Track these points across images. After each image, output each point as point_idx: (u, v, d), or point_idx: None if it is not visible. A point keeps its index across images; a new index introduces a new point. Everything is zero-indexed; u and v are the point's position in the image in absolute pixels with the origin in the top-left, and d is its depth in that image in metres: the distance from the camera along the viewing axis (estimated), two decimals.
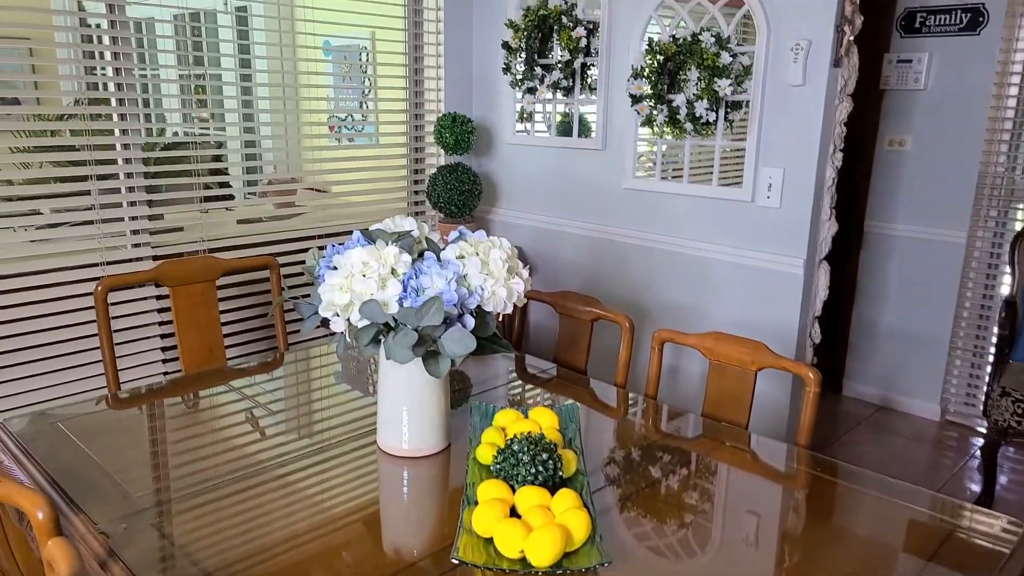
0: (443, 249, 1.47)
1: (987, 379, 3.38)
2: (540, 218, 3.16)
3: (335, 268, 1.42)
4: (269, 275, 2.31)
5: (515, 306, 1.45)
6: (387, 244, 1.38)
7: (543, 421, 1.55)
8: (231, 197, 2.89)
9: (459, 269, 1.37)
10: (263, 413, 1.69)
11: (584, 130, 2.96)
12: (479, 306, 1.39)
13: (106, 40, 2.33)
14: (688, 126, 2.48)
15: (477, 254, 1.41)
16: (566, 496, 1.25)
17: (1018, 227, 3.23)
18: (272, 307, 2.00)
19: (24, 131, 2.79)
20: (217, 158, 2.79)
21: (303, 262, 2.89)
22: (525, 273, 1.46)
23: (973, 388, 3.47)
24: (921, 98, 3.33)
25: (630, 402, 1.84)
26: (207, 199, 2.65)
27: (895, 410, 3.65)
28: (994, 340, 3.29)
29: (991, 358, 3.38)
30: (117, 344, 2.42)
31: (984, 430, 3.36)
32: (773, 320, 2.52)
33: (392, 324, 1.34)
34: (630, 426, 1.71)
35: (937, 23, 3.19)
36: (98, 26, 2.35)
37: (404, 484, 1.40)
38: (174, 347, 2.46)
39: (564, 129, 3.02)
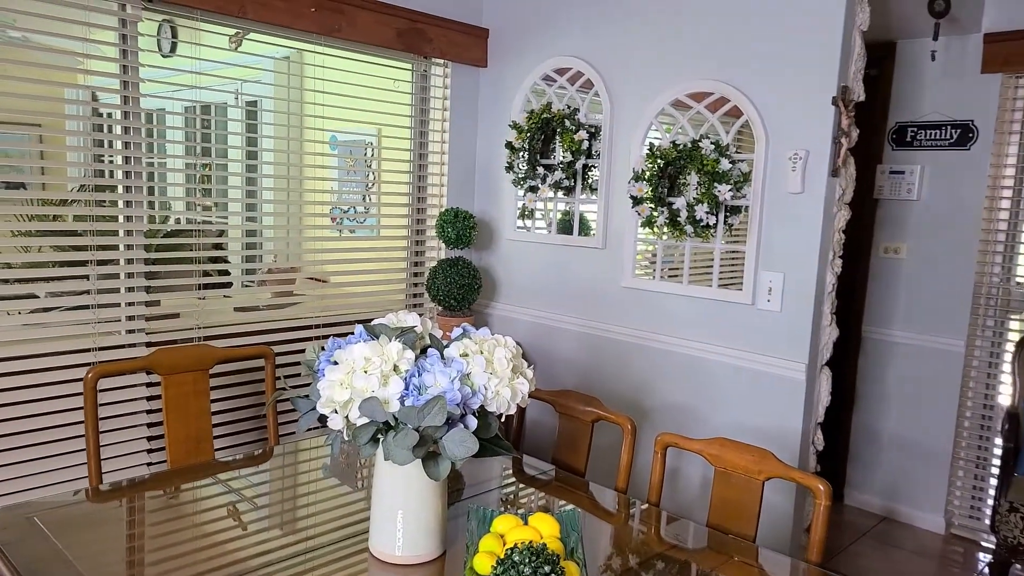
0: (446, 346, 1.45)
1: (993, 492, 3.30)
2: (538, 313, 3.15)
3: (336, 363, 1.39)
4: (264, 365, 2.27)
5: (518, 407, 1.42)
6: (390, 340, 1.36)
7: (544, 529, 1.48)
8: (229, 284, 2.88)
9: (463, 367, 1.34)
10: (248, 510, 1.61)
11: (584, 229, 3.00)
12: (482, 406, 1.36)
13: (117, 129, 2.37)
14: (688, 228, 2.51)
15: (481, 352, 1.39)
16: None
17: (1015, 337, 3.23)
18: (268, 402, 1.95)
19: (26, 215, 2.80)
20: (218, 246, 2.80)
21: (301, 351, 2.87)
22: (530, 373, 1.43)
23: (978, 501, 3.38)
24: (915, 208, 3.41)
25: (632, 509, 1.77)
26: (205, 286, 2.63)
27: (899, 521, 3.54)
28: (998, 452, 3.23)
29: (995, 470, 3.31)
30: (103, 432, 2.36)
31: (991, 546, 3.25)
32: (774, 425, 2.47)
33: (392, 423, 1.29)
34: (633, 535, 1.64)
35: (928, 137, 3.30)
36: (110, 115, 2.41)
37: None
38: (161, 436, 2.38)
39: (564, 227, 3.06)
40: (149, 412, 2.46)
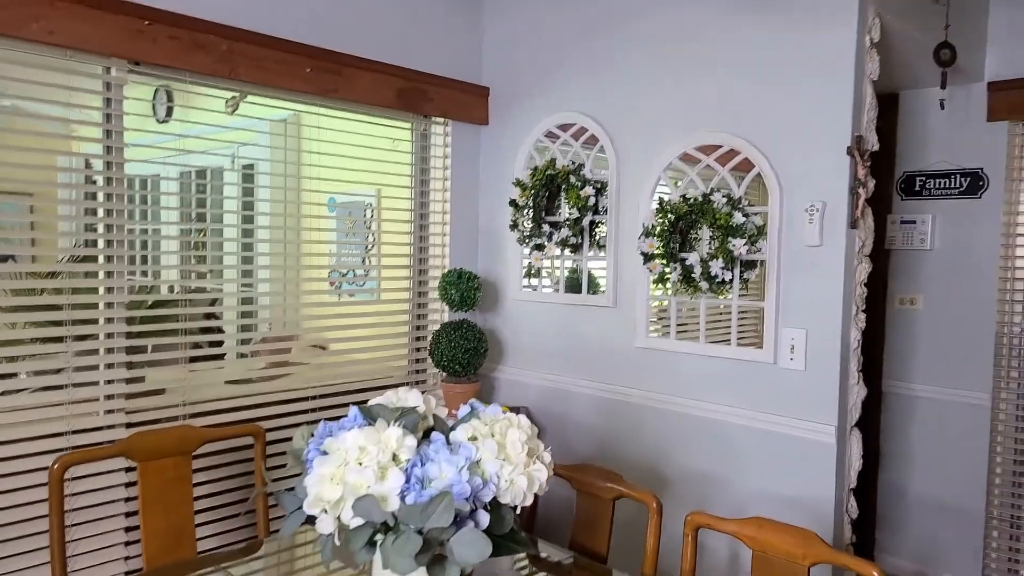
0: (453, 428, 1.29)
1: None
2: (548, 376, 2.99)
3: (326, 453, 1.23)
4: (254, 445, 2.10)
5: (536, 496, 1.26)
6: (388, 424, 1.21)
7: None
8: (221, 356, 2.73)
9: (472, 454, 1.19)
10: None
11: (593, 286, 2.87)
12: (494, 498, 1.20)
13: (101, 197, 2.26)
14: (703, 284, 2.38)
15: (492, 435, 1.24)
16: None
17: None
18: (252, 497, 1.79)
19: (11, 289, 2.66)
20: (210, 315, 2.66)
21: (296, 426, 2.69)
22: (548, 456, 1.28)
23: (1015, 563, 3.16)
24: (928, 258, 3.29)
25: None
26: (194, 359, 2.48)
27: None
28: None
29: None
30: (76, 525, 2.16)
31: None
32: (804, 493, 2.29)
33: (391, 523, 1.13)
34: None
35: (937, 187, 3.21)
36: (94, 182, 2.30)
37: None
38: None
39: (573, 285, 2.93)
40: (127, 500, 2.27)
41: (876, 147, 2.24)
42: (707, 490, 2.52)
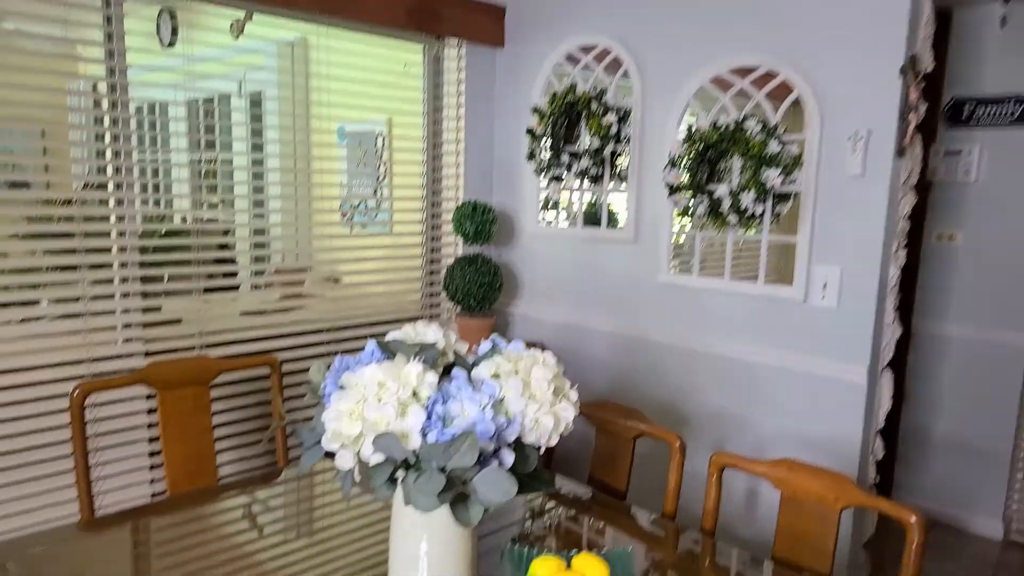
0: (473, 365, 1.23)
1: None
2: (565, 313, 2.93)
3: (343, 387, 1.18)
4: (270, 376, 2.07)
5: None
6: (408, 360, 1.14)
7: (590, 573, 1.27)
8: (235, 287, 2.68)
9: (495, 392, 1.13)
10: (258, 550, 1.41)
11: (612, 220, 2.77)
12: (518, 437, 1.14)
13: (107, 122, 2.17)
14: (732, 218, 2.28)
15: (517, 373, 1.17)
16: None
17: None
18: (271, 430, 1.75)
19: (26, 216, 2.60)
20: (224, 245, 2.60)
21: (310, 358, 2.67)
22: (574, 395, 1.22)
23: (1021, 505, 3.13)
24: (972, 191, 3.15)
25: (685, 539, 1.55)
26: (208, 289, 2.44)
27: (952, 527, 3.30)
28: None
29: None
30: (101, 450, 2.18)
31: None
32: (829, 433, 2.24)
33: (412, 461, 1.08)
34: (693, 575, 1.42)
35: (987, 114, 3.03)
36: (99, 106, 2.21)
37: None
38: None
39: (591, 218, 2.83)
40: (150, 427, 2.27)
41: (931, 67, 2.09)
42: (726, 430, 2.48)
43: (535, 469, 1.18)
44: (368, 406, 1.08)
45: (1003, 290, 3.09)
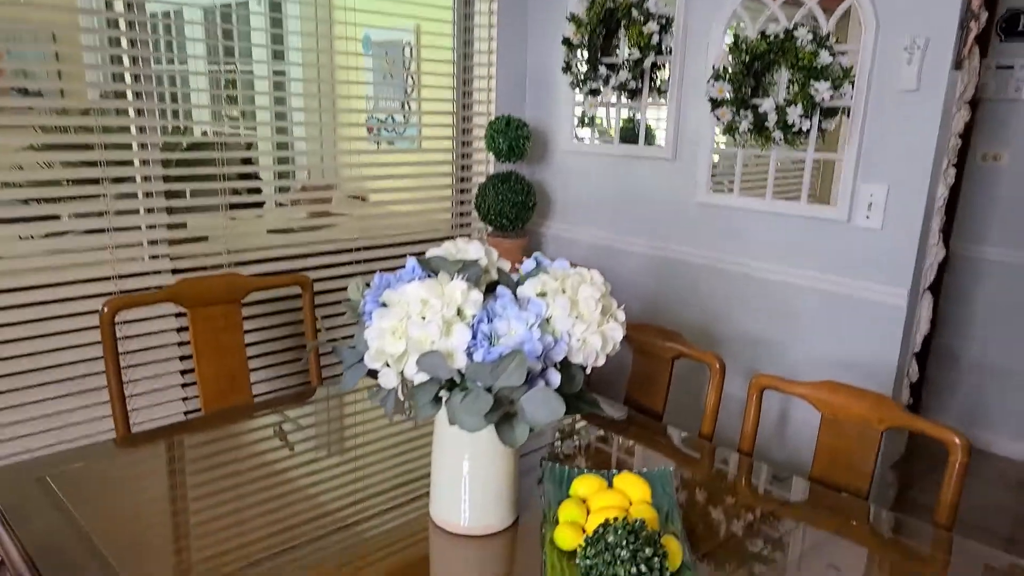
0: (517, 283, 1.20)
1: None
2: (599, 234, 2.87)
3: (384, 305, 1.15)
4: (301, 295, 2.05)
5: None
6: (451, 277, 1.11)
7: (633, 493, 1.27)
8: (261, 204, 2.65)
9: (542, 311, 1.09)
10: (293, 467, 1.42)
11: (650, 137, 2.67)
12: (564, 357, 1.12)
13: (123, 26, 2.09)
14: (777, 135, 2.18)
15: (564, 291, 1.13)
16: None
17: None
18: (308, 348, 1.74)
19: (41, 126, 2.56)
20: (246, 160, 2.55)
21: (340, 277, 2.65)
22: (622, 315, 1.18)
23: None
24: (1021, 109, 2.99)
25: (724, 461, 1.54)
26: (234, 206, 2.40)
27: (977, 448, 3.30)
28: None
29: None
30: (132, 367, 2.20)
31: None
32: (865, 356, 2.21)
33: (457, 380, 1.06)
34: (733, 494, 1.41)
35: None
36: (111, 6, 2.12)
37: (464, 570, 1.13)
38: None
39: (629, 135, 2.73)
40: (180, 345, 2.28)
41: None
42: (761, 353, 2.45)
43: (580, 390, 1.16)
44: (412, 324, 1.05)
45: None
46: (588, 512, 1.22)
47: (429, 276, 1.16)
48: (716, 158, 2.49)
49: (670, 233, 2.63)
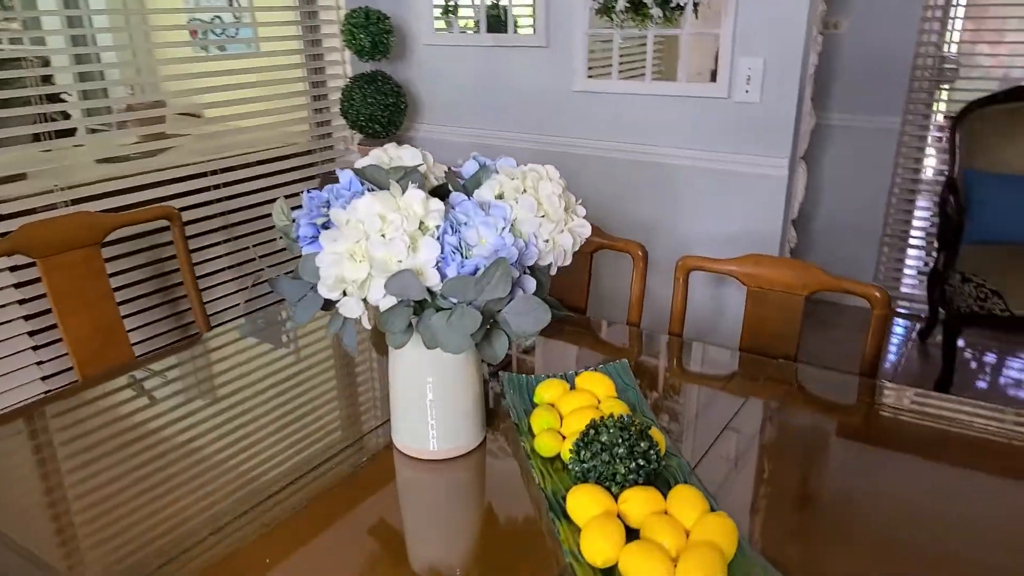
0: (463, 188, 1.09)
1: (915, 263, 3.43)
2: (474, 132, 2.75)
3: (326, 227, 1.01)
4: (170, 228, 1.80)
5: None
6: (403, 188, 0.98)
7: (597, 390, 1.25)
8: (71, 131, 2.25)
9: (508, 214, 1.00)
10: (217, 424, 1.26)
11: (519, 24, 2.54)
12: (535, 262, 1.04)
13: None
14: (655, 12, 2.14)
15: (525, 191, 1.04)
16: (687, 496, 0.97)
17: (944, 108, 3.20)
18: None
19: None
20: (46, 79, 2.14)
21: (200, 206, 2.36)
22: (582, 210, 1.11)
23: (897, 272, 3.51)
24: None
25: (663, 345, 1.57)
26: (40, 136, 2.03)
27: (829, 302, 3.65)
28: (920, 224, 3.31)
29: (915, 242, 3.41)
30: None
31: (906, 310, 3.43)
32: (750, 229, 2.32)
33: (429, 299, 0.96)
34: (682, 375, 1.44)
35: None
36: None
37: (442, 493, 1.06)
38: (49, 344, 1.92)
39: (495, 24, 2.58)
40: (23, 303, 1.95)
41: None
42: (652, 236, 2.50)
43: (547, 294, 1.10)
44: (372, 244, 0.93)
45: (881, 76, 3.21)
46: (561, 418, 1.19)
47: (369, 189, 1.02)
48: (615, 40, 2.42)
49: (549, 125, 2.57)
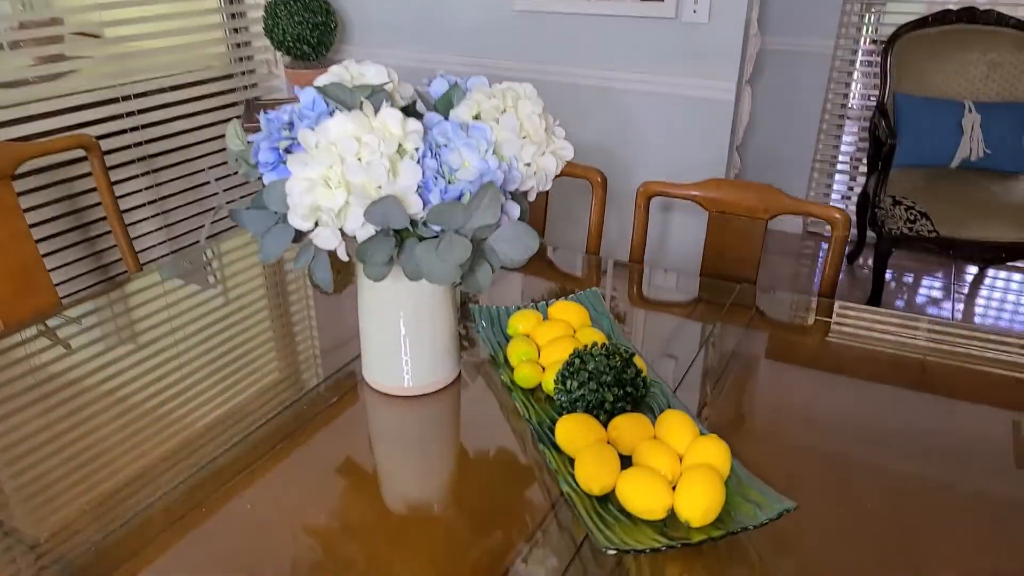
0: (434, 108, 1.02)
1: (848, 189, 3.53)
2: (408, 55, 2.61)
3: (288, 151, 0.92)
4: (88, 159, 1.63)
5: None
6: (376, 107, 0.90)
7: (572, 319, 1.23)
8: None
9: (488, 135, 0.94)
10: (169, 370, 1.17)
11: None
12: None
13: None
14: None
15: (504, 111, 0.98)
16: (676, 421, 0.96)
17: (880, 33, 3.24)
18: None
19: None
20: None
21: (114, 135, 2.16)
22: (561, 131, 1.06)
23: (828, 189, 3.60)
24: None
25: (617, 272, 1.55)
26: None
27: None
28: (847, 149, 3.40)
29: (842, 167, 3.51)
30: None
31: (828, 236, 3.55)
32: (699, 155, 2.31)
33: (410, 228, 0.90)
34: (646, 302, 1.42)
35: None
36: None
37: (420, 431, 1.03)
38: None
39: None
40: None
41: None
42: (600, 163, 2.46)
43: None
44: (349, 168, 0.85)
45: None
46: (539, 349, 1.16)
47: (337, 110, 0.94)
48: None
49: (489, 47, 2.46)
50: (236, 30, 2.59)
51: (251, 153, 0.95)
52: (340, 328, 1.28)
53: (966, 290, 3.08)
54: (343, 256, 0.91)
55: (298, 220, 0.87)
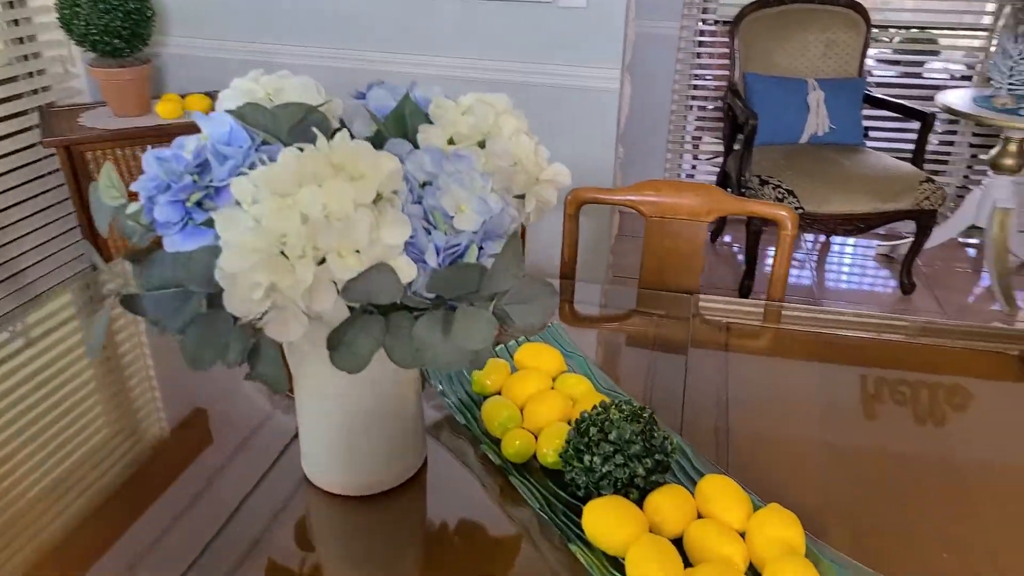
0: (394, 128, 0.77)
1: (692, 168, 3.60)
2: (246, 47, 2.24)
3: (200, 205, 0.65)
4: None
5: None
6: (328, 136, 0.65)
7: (544, 364, 1.03)
8: None
9: (478, 166, 0.71)
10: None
11: None
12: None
13: None
14: None
15: (487, 133, 0.76)
16: (721, 489, 0.81)
17: (726, 12, 3.30)
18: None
19: None
20: None
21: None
22: (545, 151, 0.85)
23: (680, 167, 3.66)
24: None
25: (566, 292, 1.38)
26: None
27: (626, 213, 3.72)
28: (691, 129, 3.46)
29: (691, 144, 3.57)
30: None
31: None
32: (587, 147, 2.19)
33: (398, 301, 0.66)
34: (602, 322, 1.26)
35: None
36: None
37: (395, 534, 0.80)
38: None
39: None
40: None
41: None
42: None
43: None
44: (317, 229, 0.59)
45: None
46: (522, 411, 0.96)
47: (264, 144, 0.67)
48: None
49: (346, 36, 2.17)
50: (15, 22, 2.09)
51: (142, 211, 0.66)
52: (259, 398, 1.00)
53: (816, 259, 3.26)
54: (306, 347, 0.65)
55: (242, 305, 0.60)
